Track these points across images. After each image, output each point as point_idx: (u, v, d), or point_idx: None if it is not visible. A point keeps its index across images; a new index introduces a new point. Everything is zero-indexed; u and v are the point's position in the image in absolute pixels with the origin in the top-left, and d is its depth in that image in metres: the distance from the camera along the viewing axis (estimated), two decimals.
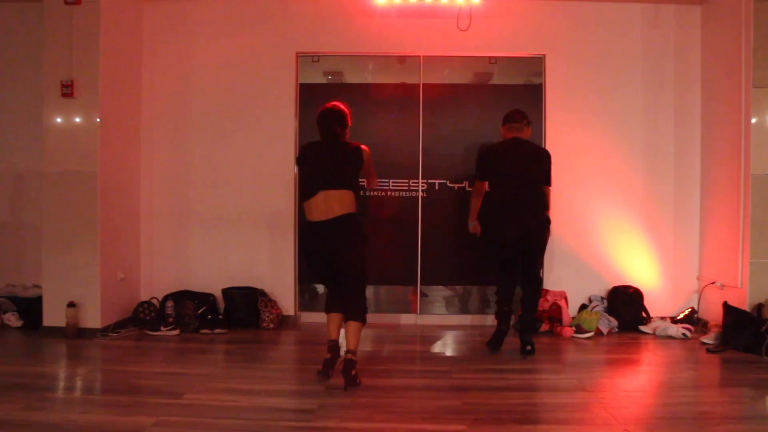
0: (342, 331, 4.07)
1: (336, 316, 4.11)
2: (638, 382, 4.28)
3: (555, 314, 5.47)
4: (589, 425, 3.30)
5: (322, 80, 5.94)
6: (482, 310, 5.86)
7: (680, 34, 5.76)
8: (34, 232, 5.55)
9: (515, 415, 3.42)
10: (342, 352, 4.00)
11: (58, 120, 5.06)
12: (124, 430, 3.14)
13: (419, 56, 5.78)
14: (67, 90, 4.98)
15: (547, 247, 5.34)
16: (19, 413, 3.35)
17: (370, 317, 5.74)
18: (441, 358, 4.69)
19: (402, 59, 5.82)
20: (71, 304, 4.99)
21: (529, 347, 4.66)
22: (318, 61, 5.85)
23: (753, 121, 5.01)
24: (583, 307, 5.69)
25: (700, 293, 5.66)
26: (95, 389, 3.89)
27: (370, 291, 6.04)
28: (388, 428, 3.23)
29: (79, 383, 4.02)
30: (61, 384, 4.05)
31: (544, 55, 5.78)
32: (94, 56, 5.02)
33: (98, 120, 5.04)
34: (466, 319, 5.81)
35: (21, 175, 5.85)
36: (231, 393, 3.75)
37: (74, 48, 5.00)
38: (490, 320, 5.61)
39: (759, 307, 4.91)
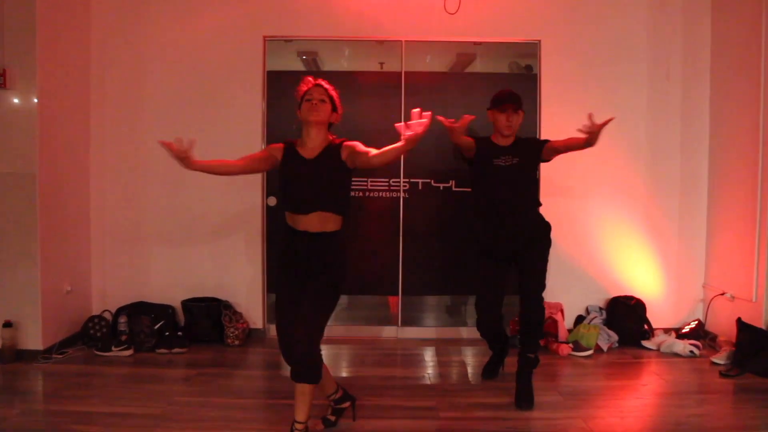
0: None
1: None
2: (648, 420, 3.78)
3: (551, 329, 4.99)
4: None
5: (292, 67, 5.35)
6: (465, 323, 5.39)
7: (689, 21, 5.24)
8: None
9: None
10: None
11: None
12: None
13: (401, 41, 5.20)
14: None
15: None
16: None
17: (349, 330, 5.28)
18: (426, 388, 4.17)
19: (381, 43, 5.25)
20: (7, 324, 4.40)
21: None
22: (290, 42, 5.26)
23: None
24: (579, 318, 5.22)
25: (708, 304, 5.20)
26: None
27: (347, 300, 5.56)
28: None
29: (8, 428, 3.45)
30: None
31: (539, 41, 5.22)
32: (30, 42, 4.37)
33: (36, 114, 4.41)
34: (449, 332, 5.31)
35: None
36: None
37: (6, 32, 4.35)
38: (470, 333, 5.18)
39: None
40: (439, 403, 3.83)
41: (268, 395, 4.00)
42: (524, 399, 3.80)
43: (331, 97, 3.29)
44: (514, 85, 5.20)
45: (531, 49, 5.27)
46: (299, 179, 3.17)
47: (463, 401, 3.89)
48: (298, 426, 3.09)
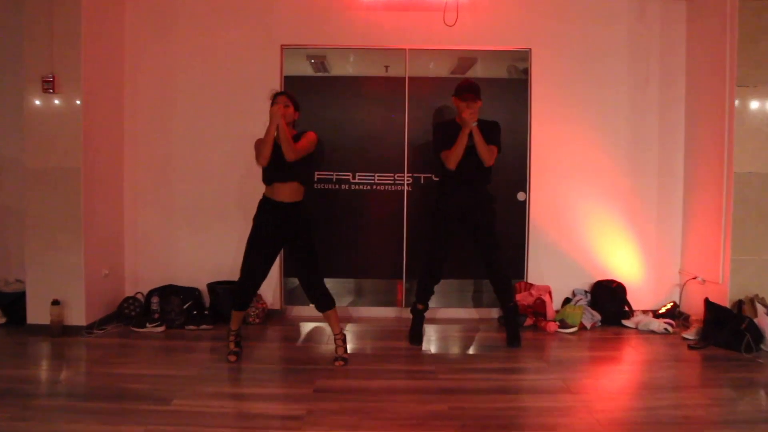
0: None
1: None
2: (621, 381, 4.33)
3: (539, 309, 5.52)
4: (573, 431, 3.36)
5: (307, 73, 5.90)
6: (464, 304, 5.94)
7: (666, 29, 5.78)
8: (15, 225, 5.56)
9: (501, 420, 3.47)
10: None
11: (40, 116, 4.97)
12: None
13: (405, 49, 5.75)
14: (49, 85, 4.90)
15: (531, 240, 5.65)
16: (4, 423, 3.34)
17: (355, 311, 5.81)
18: (426, 357, 4.73)
19: (386, 51, 5.79)
20: (56, 302, 4.95)
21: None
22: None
23: (736, 119, 5.05)
24: (567, 300, 5.74)
25: (682, 287, 5.73)
26: (82, 395, 3.83)
27: (353, 284, 6.09)
28: None
29: (65, 388, 4.00)
30: (47, 389, 4.02)
31: (530, 49, 5.77)
32: (75, 50, 4.93)
33: (81, 115, 4.97)
34: (450, 312, 5.85)
35: (1, 166, 5.75)
36: (218, 398, 3.77)
37: (55, 42, 4.91)
38: (472, 314, 5.76)
39: (739, 303, 4.99)
40: (437, 368, 4.39)
41: (287, 362, 4.54)
42: (514, 339, 4.91)
43: (293, 101, 4.46)
44: (508, 89, 5.81)
45: (525, 56, 5.81)
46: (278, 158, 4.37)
47: (459, 367, 4.45)
48: (338, 335, 4.51)
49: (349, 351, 4.54)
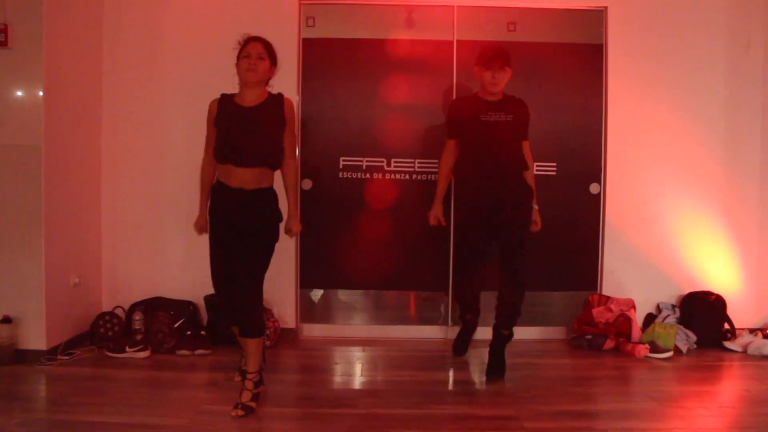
0: None
1: None
2: None
3: (623, 328, 4.40)
4: None
5: (330, 34, 4.79)
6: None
7: None
8: None
9: None
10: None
11: None
12: None
13: (453, 6, 4.64)
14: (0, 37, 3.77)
15: (607, 242, 4.62)
16: None
17: (392, 330, 4.71)
18: (496, 394, 3.57)
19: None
20: (6, 320, 3.81)
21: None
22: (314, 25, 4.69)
23: None
24: (650, 317, 4.64)
25: None
26: None
27: (385, 296, 4.98)
28: None
29: None
30: None
31: (606, 7, 4.67)
32: None
33: (43, 78, 3.83)
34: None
35: None
36: None
37: None
38: (531, 333, 4.65)
39: None
40: (518, 411, 3.23)
41: (307, 403, 3.39)
42: (495, 371, 3.81)
43: (270, 53, 3.27)
44: (578, 56, 4.73)
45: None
46: (237, 128, 3.19)
47: (545, 408, 3.30)
48: (252, 375, 3.24)
49: (367, 383, 3.57)
